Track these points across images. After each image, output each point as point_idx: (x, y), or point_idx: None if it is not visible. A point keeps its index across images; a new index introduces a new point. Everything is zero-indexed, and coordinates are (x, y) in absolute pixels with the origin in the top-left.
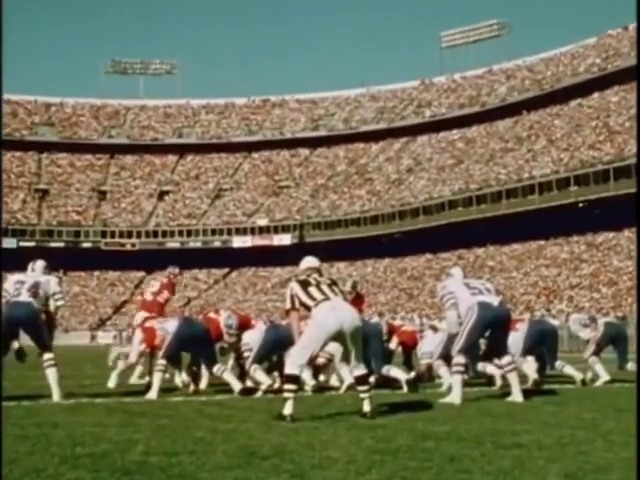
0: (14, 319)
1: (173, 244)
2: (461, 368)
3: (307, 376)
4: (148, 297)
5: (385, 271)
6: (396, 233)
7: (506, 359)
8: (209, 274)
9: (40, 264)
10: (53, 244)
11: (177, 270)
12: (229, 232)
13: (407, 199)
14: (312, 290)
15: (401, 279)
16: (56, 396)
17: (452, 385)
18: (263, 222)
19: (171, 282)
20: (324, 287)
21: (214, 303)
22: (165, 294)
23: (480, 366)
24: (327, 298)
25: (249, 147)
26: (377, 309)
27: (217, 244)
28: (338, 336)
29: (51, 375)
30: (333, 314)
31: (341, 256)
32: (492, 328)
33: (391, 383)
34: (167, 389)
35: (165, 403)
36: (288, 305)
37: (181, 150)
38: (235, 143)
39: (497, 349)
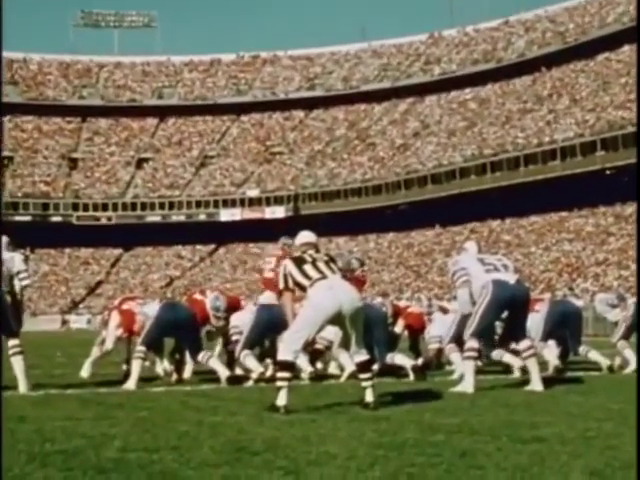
0: None
1: (153, 218)
2: (474, 354)
3: (303, 363)
4: (269, 275)
5: (389, 246)
6: (401, 204)
7: (524, 343)
8: (194, 251)
9: (3, 240)
10: (18, 218)
11: (291, 241)
12: (216, 204)
13: (414, 166)
14: (307, 268)
15: (407, 255)
16: (23, 387)
17: (464, 372)
18: (253, 193)
19: (287, 255)
20: (321, 264)
21: (199, 283)
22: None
23: (496, 354)
24: (324, 277)
25: (237, 109)
26: (381, 289)
27: (202, 217)
28: (336, 319)
29: (17, 364)
30: (331, 294)
31: (340, 230)
32: (509, 309)
33: (396, 371)
34: (147, 378)
35: (145, 394)
36: (281, 285)
37: (162, 113)
38: (222, 105)
39: (514, 332)
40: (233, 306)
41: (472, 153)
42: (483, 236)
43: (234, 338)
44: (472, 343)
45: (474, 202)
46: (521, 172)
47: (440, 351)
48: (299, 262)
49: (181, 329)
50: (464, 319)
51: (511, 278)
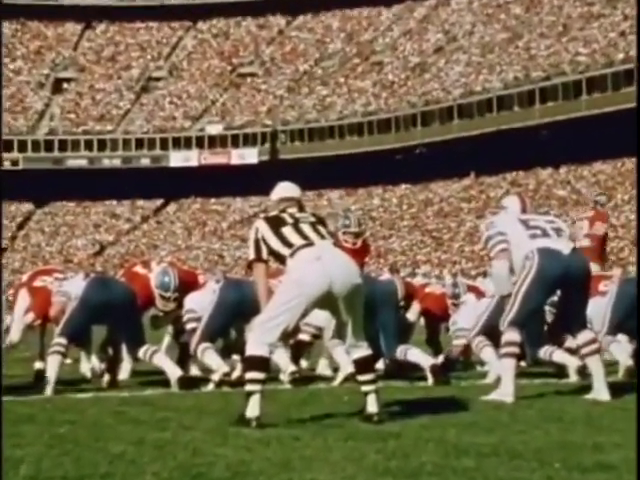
0: None
1: (77, 161)
2: (514, 349)
3: (282, 360)
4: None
5: (400, 204)
6: (418, 146)
7: (584, 336)
8: (133, 208)
9: None
10: None
11: (604, 198)
12: (164, 144)
13: (434, 94)
14: (287, 232)
15: (425, 216)
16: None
17: (501, 375)
18: (215, 129)
19: (601, 215)
20: (305, 227)
21: (141, 252)
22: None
23: (544, 352)
24: (310, 243)
25: (194, 13)
26: (388, 261)
27: (145, 162)
28: (326, 300)
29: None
30: (318, 267)
31: (333, 181)
32: (561, 288)
33: (409, 371)
34: (69, 381)
35: (65, 402)
36: (252, 254)
37: (87, 16)
38: (172, 6)
39: (569, 321)
40: (187, 283)
41: (515, 76)
42: (528, 190)
43: (189, 327)
44: (511, 335)
45: (516, 143)
46: (582, 103)
47: (468, 347)
48: (276, 224)
49: (115, 314)
50: (501, 303)
51: (565, 246)
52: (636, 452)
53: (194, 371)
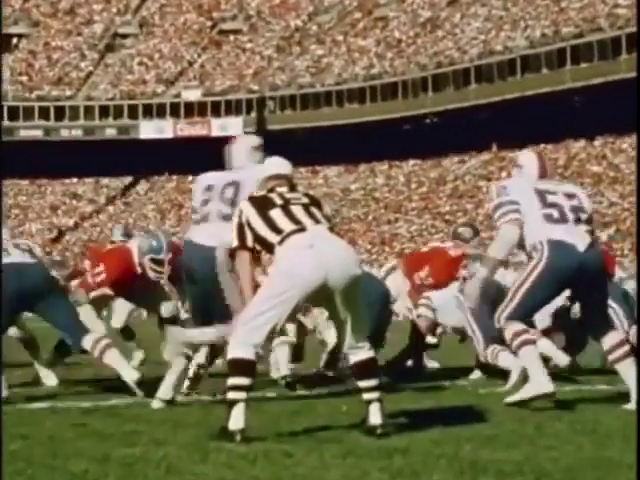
0: None
1: (30, 132)
2: (527, 336)
3: (278, 360)
4: None
5: (408, 182)
6: (429, 115)
7: (611, 339)
8: (97, 187)
9: None
10: None
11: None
12: (132, 112)
13: (448, 54)
14: (276, 215)
15: (436, 196)
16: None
17: (527, 368)
18: (193, 95)
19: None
20: (296, 210)
21: (106, 239)
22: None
23: (490, 352)
24: (301, 229)
25: None
26: (395, 249)
27: (111, 133)
28: (321, 295)
29: None
30: (312, 256)
31: (331, 156)
32: (573, 288)
33: (418, 373)
34: (19, 384)
35: (18, 413)
36: (235, 241)
37: None
38: None
39: (591, 325)
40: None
41: (542, 33)
42: (558, 165)
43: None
44: (515, 326)
45: (544, 111)
46: (621, 63)
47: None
48: (263, 206)
49: (38, 300)
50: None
51: (581, 240)
52: (636, 452)
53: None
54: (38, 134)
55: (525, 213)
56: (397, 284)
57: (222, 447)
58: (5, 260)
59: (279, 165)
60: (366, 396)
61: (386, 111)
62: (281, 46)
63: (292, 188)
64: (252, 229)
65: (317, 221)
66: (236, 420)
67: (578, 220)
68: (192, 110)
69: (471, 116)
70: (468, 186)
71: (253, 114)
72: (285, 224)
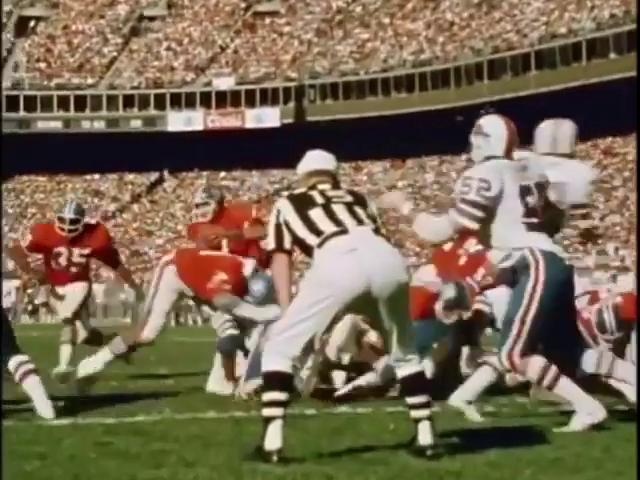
0: None
1: (49, 124)
2: (554, 371)
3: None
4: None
5: None
6: (484, 105)
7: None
8: (121, 184)
9: None
10: None
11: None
12: (159, 102)
13: (506, 37)
14: (316, 215)
15: None
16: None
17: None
18: (225, 83)
19: None
20: (339, 209)
21: (130, 240)
22: None
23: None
24: (343, 230)
25: None
26: None
27: (136, 125)
28: (363, 304)
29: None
30: (353, 262)
31: (376, 150)
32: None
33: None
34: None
35: (35, 430)
36: (271, 243)
37: None
38: None
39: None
40: None
41: (611, 14)
42: (627, 160)
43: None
44: (536, 362)
45: (611, 101)
46: None
47: None
48: (303, 205)
49: None
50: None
51: (560, 250)
52: (636, 452)
53: None
54: (57, 126)
55: (502, 214)
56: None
57: (257, 469)
58: None
59: (321, 160)
60: (415, 413)
61: (437, 101)
62: (322, 29)
63: (335, 185)
64: (291, 230)
65: (360, 222)
66: (272, 439)
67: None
68: (224, 100)
69: (531, 106)
70: None
71: (291, 104)
72: (325, 225)
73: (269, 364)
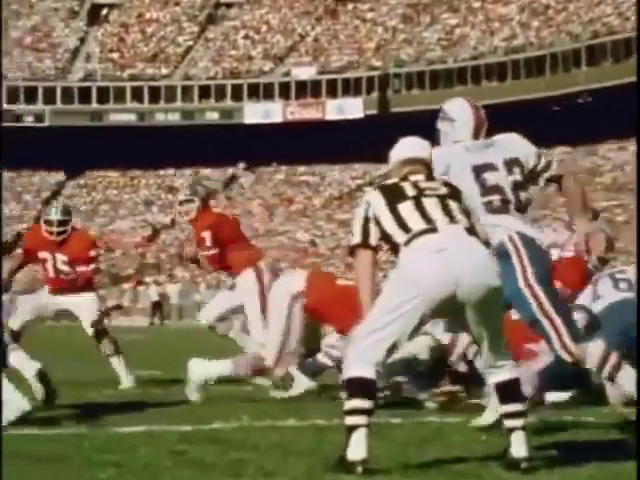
0: None
1: (122, 117)
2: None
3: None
4: None
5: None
6: (582, 94)
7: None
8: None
9: None
10: None
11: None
12: (236, 93)
13: (606, 22)
14: (406, 210)
15: (591, 189)
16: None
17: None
18: (305, 72)
19: None
20: (430, 204)
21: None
22: None
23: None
24: (433, 229)
25: None
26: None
27: (211, 117)
28: (450, 307)
29: None
30: (440, 263)
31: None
32: None
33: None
34: (112, 410)
35: (109, 438)
36: (356, 237)
37: None
38: None
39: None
40: None
41: None
42: None
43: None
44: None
45: None
46: None
47: None
48: (394, 197)
49: None
50: None
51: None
52: (636, 452)
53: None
54: (130, 119)
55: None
56: None
57: None
58: None
59: (416, 147)
60: (508, 423)
61: (530, 89)
62: (407, 15)
63: (429, 176)
64: (379, 225)
65: (453, 218)
66: (356, 448)
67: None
68: (304, 90)
69: (633, 94)
70: (628, 178)
71: (374, 94)
72: (414, 221)
73: (352, 370)
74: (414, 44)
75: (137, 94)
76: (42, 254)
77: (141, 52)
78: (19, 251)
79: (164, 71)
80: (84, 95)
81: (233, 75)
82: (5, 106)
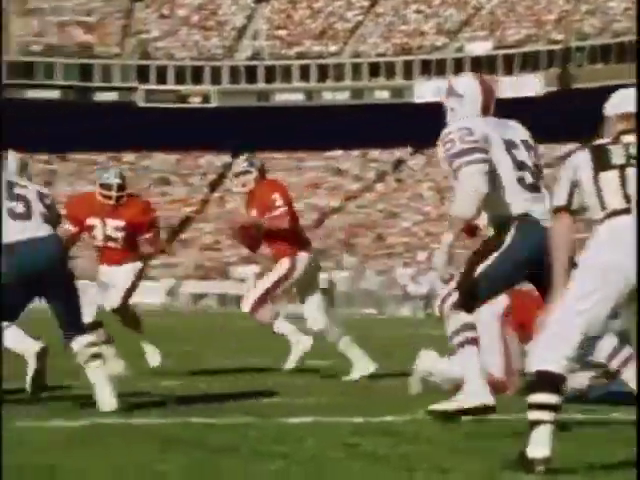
0: None
1: (289, 96)
2: None
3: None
4: None
5: None
6: None
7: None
8: (365, 161)
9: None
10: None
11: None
12: (407, 71)
13: None
14: (608, 180)
15: None
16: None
17: None
18: (480, 47)
19: None
20: (632, 177)
21: (373, 223)
22: None
23: None
24: (628, 209)
25: None
26: None
27: (382, 96)
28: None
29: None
30: (617, 250)
31: None
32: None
33: None
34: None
35: (277, 429)
36: (561, 199)
37: None
38: None
39: None
40: None
41: None
42: None
43: None
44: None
45: None
46: None
47: None
48: (601, 162)
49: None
50: None
51: (546, 212)
52: (636, 452)
53: None
54: (298, 98)
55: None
56: None
57: (519, 479)
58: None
59: (632, 100)
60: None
61: None
62: None
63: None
64: (582, 189)
65: None
66: (538, 446)
67: (539, 179)
68: (479, 66)
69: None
70: None
71: (555, 69)
72: (613, 197)
73: (539, 362)
74: (598, 15)
75: (304, 73)
76: (91, 220)
77: (309, 29)
78: (65, 227)
79: (332, 48)
80: (251, 74)
81: (404, 51)
82: (172, 86)
